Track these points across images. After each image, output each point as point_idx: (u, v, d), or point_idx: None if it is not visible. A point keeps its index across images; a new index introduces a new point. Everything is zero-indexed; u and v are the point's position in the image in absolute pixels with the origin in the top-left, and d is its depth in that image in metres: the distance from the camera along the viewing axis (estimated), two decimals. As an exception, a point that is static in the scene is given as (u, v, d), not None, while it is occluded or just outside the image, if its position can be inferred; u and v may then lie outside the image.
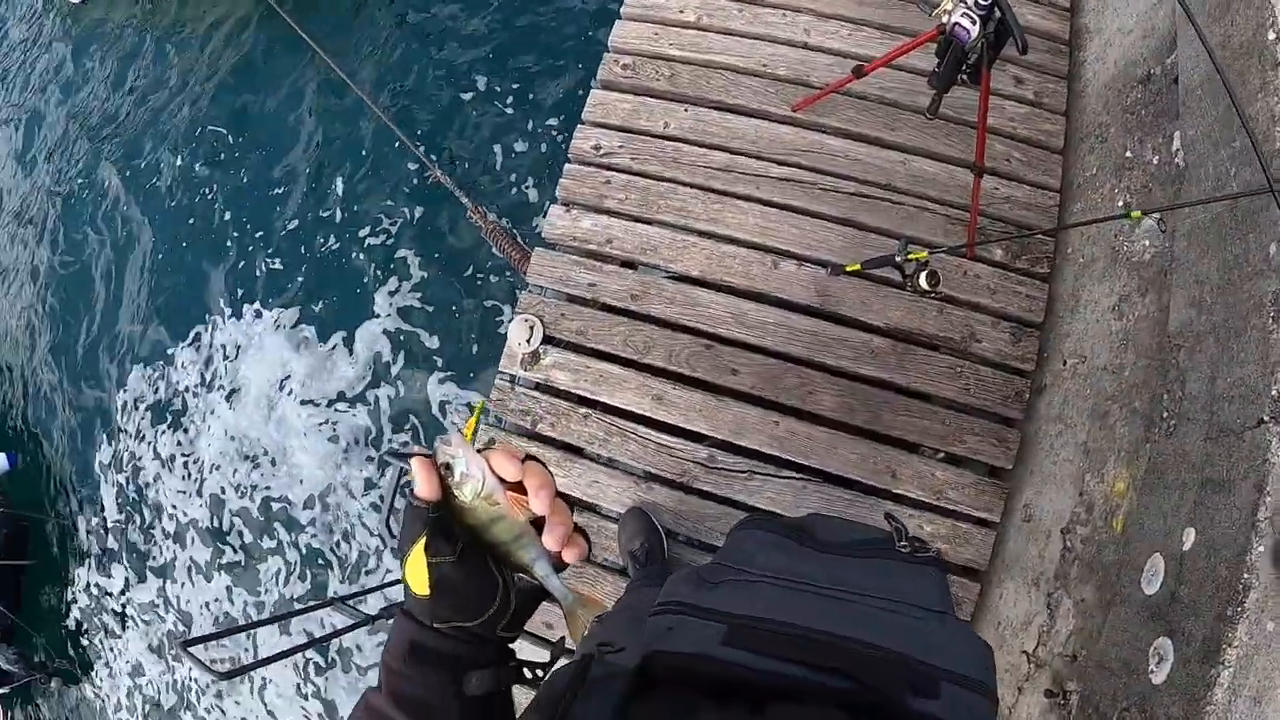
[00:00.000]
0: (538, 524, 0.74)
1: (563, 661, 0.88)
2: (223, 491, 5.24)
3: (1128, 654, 1.59)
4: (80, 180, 6.47)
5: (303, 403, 5.03)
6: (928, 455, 2.65)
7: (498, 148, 4.84)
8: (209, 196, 5.70)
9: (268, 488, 5.10)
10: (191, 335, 5.52)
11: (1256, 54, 1.68)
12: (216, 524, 5.23)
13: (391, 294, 4.85)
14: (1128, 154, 2.51)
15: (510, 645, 0.80)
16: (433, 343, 4.73)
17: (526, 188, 4.72)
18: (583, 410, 2.81)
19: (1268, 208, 1.51)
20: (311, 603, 4.52)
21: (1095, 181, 2.71)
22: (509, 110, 4.92)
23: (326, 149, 5.35)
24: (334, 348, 4.98)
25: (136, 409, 5.68)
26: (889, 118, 2.93)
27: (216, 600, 5.20)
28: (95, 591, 5.89)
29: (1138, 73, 2.53)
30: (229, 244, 5.51)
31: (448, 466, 0.72)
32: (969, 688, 0.89)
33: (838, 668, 0.87)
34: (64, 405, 6.21)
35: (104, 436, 5.86)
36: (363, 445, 4.87)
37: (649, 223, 2.92)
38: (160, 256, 5.82)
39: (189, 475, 5.37)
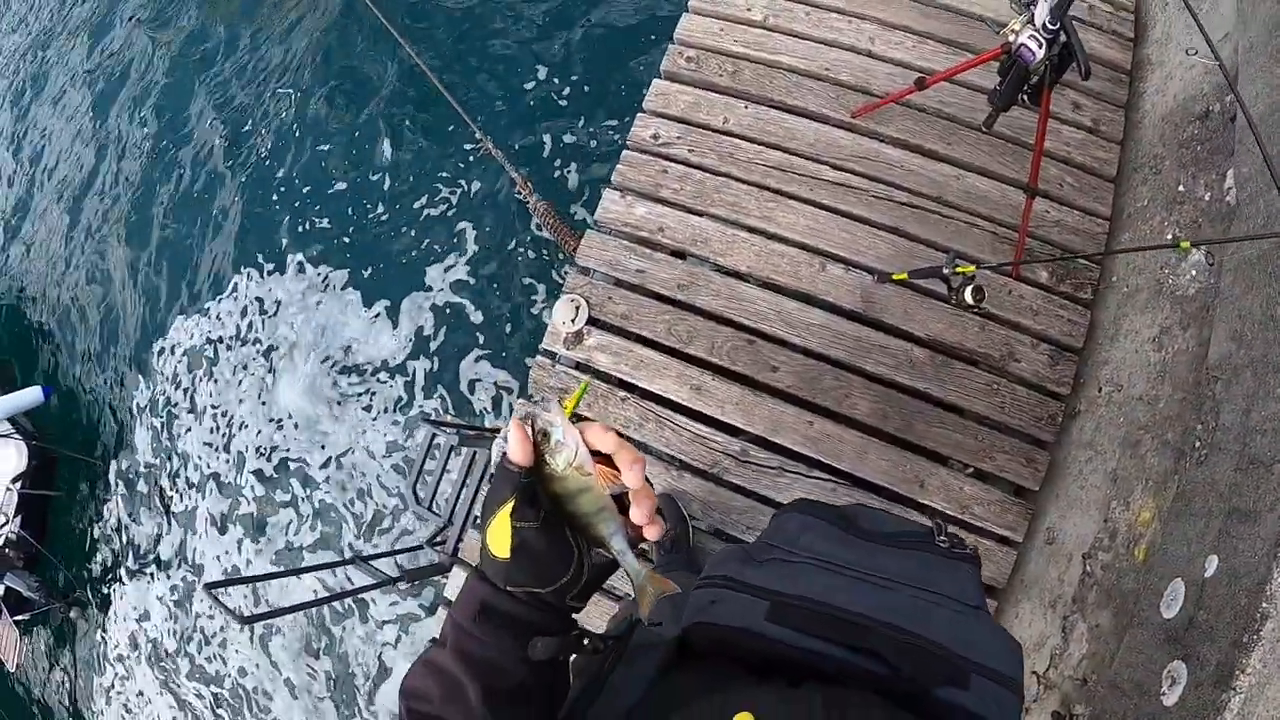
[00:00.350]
0: (616, 501, 0.77)
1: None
2: (247, 446, 5.32)
3: (1141, 675, 1.62)
4: (147, 129, 6.57)
5: (336, 366, 5.10)
6: (957, 469, 2.67)
7: (549, 127, 4.87)
8: (264, 155, 5.78)
9: (292, 446, 5.17)
10: (232, 288, 5.60)
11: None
12: (238, 476, 5.31)
13: (446, 269, 4.89)
14: (1180, 188, 2.52)
15: (574, 615, 0.82)
16: (476, 318, 4.77)
17: (570, 171, 4.76)
18: (621, 393, 2.86)
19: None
20: (336, 559, 4.61)
21: (1145, 213, 2.71)
22: (565, 94, 4.94)
23: (386, 118, 5.40)
24: (377, 315, 5.04)
25: (174, 355, 5.77)
26: (946, 132, 2.95)
27: (227, 552, 5.29)
28: (118, 529, 6.00)
29: (1196, 108, 2.54)
30: (280, 202, 5.59)
31: (544, 434, 0.74)
32: (999, 682, 0.90)
33: (876, 651, 0.89)
34: (104, 347, 6.32)
35: (139, 380, 5.97)
36: (391, 412, 4.93)
37: (701, 215, 2.96)
38: (212, 210, 5.91)
39: (217, 428, 5.46)
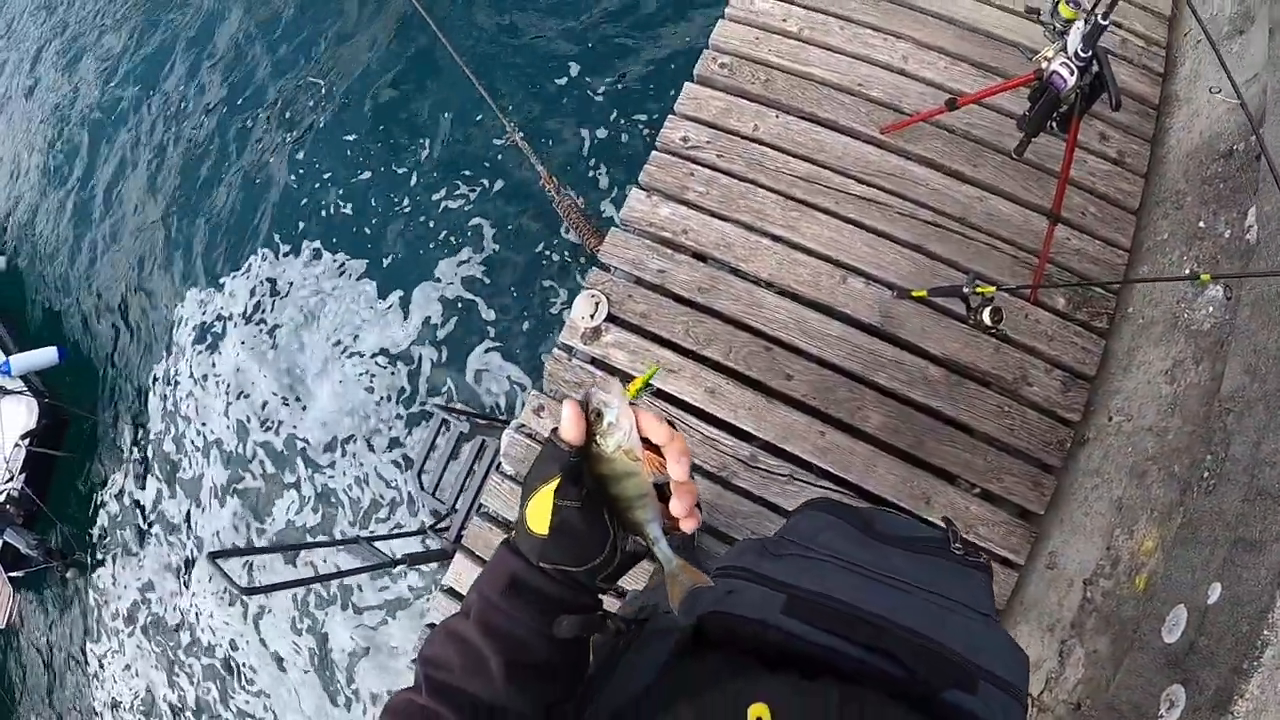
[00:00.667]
0: (656, 490, 0.77)
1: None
2: (249, 421, 5.38)
3: (1140, 698, 1.64)
4: (176, 106, 6.61)
5: (346, 349, 5.13)
6: (964, 488, 2.69)
7: (578, 123, 4.91)
8: (290, 140, 5.82)
9: (294, 424, 5.22)
10: (249, 266, 5.65)
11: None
12: (243, 452, 5.35)
13: (461, 262, 4.93)
14: (1200, 224, 2.54)
15: (600, 597, 0.82)
16: (488, 314, 4.80)
17: (596, 169, 4.78)
18: (634, 391, 2.87)
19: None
20: (339, 537, 4.64)
21: (1165, 246, 2.74)
22: (598, 90, 4.98)
23: (415, 109, 5.44)
24: (389, 304, 5.07)
25: (188, 327, 5.82)
26: (973, 154, 2.98)
27: (226, 528, 5.34)
28: (120, 495, 6.04)
29: (1221, 146, 2.56)
30: (301, 186, 5.63)
31: (598, 414, 0.74)
32: (1005, 689, 0.90)
33: (891, 652, 0.89)
34: (121, 314, 6.37)
35: (152, 350, 6.02)
36: (394, 402, 4.96)
37: (726, 219, 2.98)
38: (233, 189, 5.96)
39: (226, 399, 5.50)
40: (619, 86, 4.92)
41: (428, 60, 5.49)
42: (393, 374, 4.97)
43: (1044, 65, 2.18)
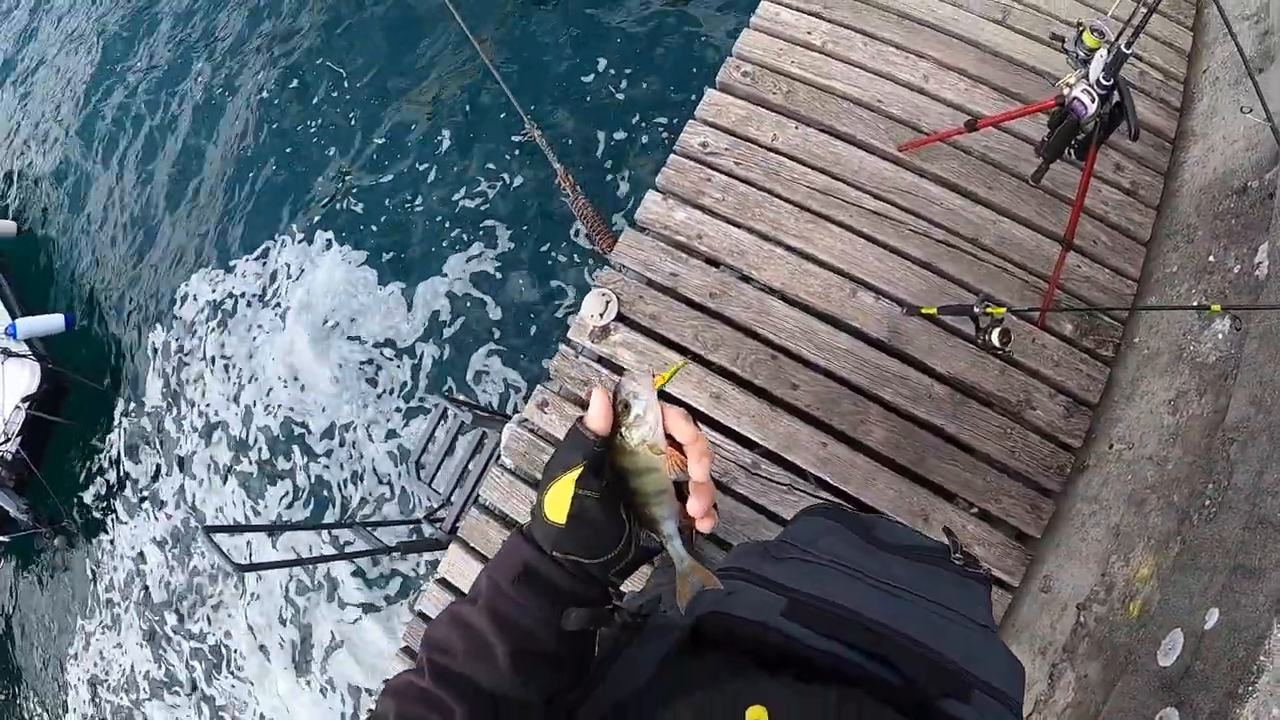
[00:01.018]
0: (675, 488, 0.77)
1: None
2: (251, 403, 5.38)
3: (1131, 720, 1.66)
4: (204, 87, 6.63)
5: (350, 339, 5.13)
6: (962, 507, 2.70)
7: (599, 123, 4.91)
8: (310, 128, 5.83)
9: (294, 410, 5.22)
10: (261, 249, 5.65)
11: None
12: (243, 434, 5.35)
13: (471, 259, 4.93)
14: (1210, 258, 2.56)
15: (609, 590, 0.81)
16: (495, 313, 4.80)
17: (614, 169, 4.79)
18: (639, 392, 2.88)
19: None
20: (336, 520, 4.64)
21: (1174, 279, 2.75)
22: (620, 90, 4.99)
23: (438, 103, 5.45)
24: (394, 296, 5.07)
25: (195, 305, 5.82)
26: (989, 176, 3.00)
27: (222, 507, 5.34)
28: (116, 466, 6.04)
29: (1235, 183, 2.58)
30: (319, 174, 5.64)
31: (625, 405, 0.73)
32: (1000, 700, 0.91)
33: (889, 660, 0.89)
34: (130, 287, 6.38)
35: (158, 325, 6.01)
36: (394, 395, 4.96)
37: (740, 227, 3.00)
38: (252, 172, 5.96)
39: (229, 380, 5.51)
40: (643, 86, 4.92)
41: (450, 51, 5.50)
42: (397, 366, 4.97)
43: (1065, 91, 2.20)
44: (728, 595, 0.99)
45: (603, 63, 5.04)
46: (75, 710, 5.97)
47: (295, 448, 5.14)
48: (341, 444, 5.02)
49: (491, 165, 5.06)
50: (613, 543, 0.76)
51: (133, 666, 5.59)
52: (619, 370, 2.93)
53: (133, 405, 6.06)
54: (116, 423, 6.15)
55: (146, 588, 5.61)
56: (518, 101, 3.27)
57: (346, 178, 5.50)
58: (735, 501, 2.76)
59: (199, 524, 5.11)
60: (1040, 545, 2.68)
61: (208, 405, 5.56)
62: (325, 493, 5.00)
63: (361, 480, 4.91)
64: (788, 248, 2.96)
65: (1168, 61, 3.17)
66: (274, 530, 4.73)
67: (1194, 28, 3.23)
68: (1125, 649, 1.92)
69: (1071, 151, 2.36)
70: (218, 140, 6.26)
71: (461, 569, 2.88)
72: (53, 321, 6.18)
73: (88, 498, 6.19)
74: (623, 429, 0.73)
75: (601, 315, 2.92)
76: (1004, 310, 2.31)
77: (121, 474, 5.98)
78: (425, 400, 4.84)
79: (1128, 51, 2.00)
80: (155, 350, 5.98)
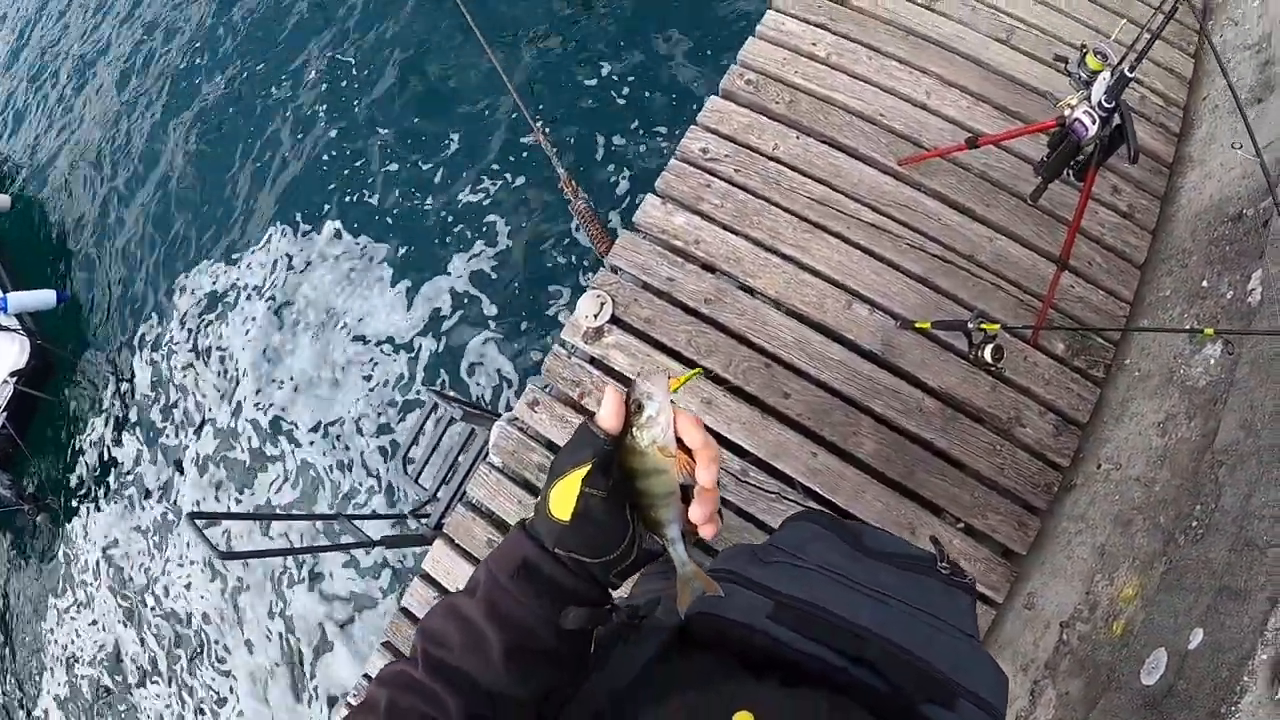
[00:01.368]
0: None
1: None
2: (240, 393, 5.37)
3: (1112, 738, 1.66)
4: (210, 82, 6.61)
5: (347, 334, 5.13)
6: (948, 521, 2.70)
7: (602, 127, 4.93)
8: (319, 124, 5.83)
9: (287, 404, 5.22)
10: (265, 240, 5.64)
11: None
12: (231, 423, 5.34)
13: (471, 258, 4.94)
14: (1204, 283, 2.58)
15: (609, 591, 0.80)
16: (490, 310, 4.80)
17: (615, 173, 4.80)
18: (630, 395, 2.88)
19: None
20: (322, 512, 4.62)
21: (1167, 303, 2.77)
22: (623, 94, 5.00)
23: (446, 102, 5.45)
24: (397, 291, 5.07)
25: (192, 294, 5.81)
26: (987, 194, 3.01)
27: (205, 497, 5.32)
28: (100, 448, 6.00)
29: (1230, 210, 2.60)
30: (325, 168, 5.64)
31: (638, 406, 0.73)
32: (983, 708, 0.92)
33: (874, 665, 0.90)
34: (127, 270, 6.36)
35: (153, 310, 6.00)
36: (391, 388, 4.95)
37: (738, 234, 3.00)
38: (256, 166, 5.95)
39: (222, 372, 5.49)
40: (646, 92, 4.93)
41: (459, 49, 5.50)
42: (393, 361, 4.97)
43: (1067, 113, 2.21)
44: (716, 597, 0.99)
45: (606, 65, 5.06)
46: (48, 692, 5.92)
47: (282, 438, 5.13)
48: (330, 436, 5.01)
49: (496, 165, 5.06)
50: (616, 543, 0.75)
51: (114, 645, 5.55)
52: (611, 372, 2.93)
53: (119, 386, 6.05)
54: (101, 403, 6.13)
55: (125, 569, 5.58)
56: (523, 103, 3.27)
57: (353, 172, 5.50)
58: (722, 509, 2.75)
59: (181, 512, 5.12)
60: (1025, 562, 2.68)
61: (198, 390, 5.57)
62: (314, 480, 4.98)
63: (349, 471, 4.91)
64: (784, 257, 2.97)
65: (1168, 87, 3.19)
66: (257, 519, 4.71)
67: (1195, 55, 3.25)
68: (1108, 667, 1.93)
69: (1070, 172, 2.38)
70: (226, 131, 6.27)
71: (446, 566, 2.87)
72: (44, 297, 6.14)
73: (72, 478, 6.16)
74: (634, 429, 0.73)
75: (596, 316, 2.92)
76: (997, 327, 2.32)
77: (106, 456, 5.95)
78: (420, 393, 4.84)
79: (1130, 76, 2.01)
80: (145, 334, 5.98)
